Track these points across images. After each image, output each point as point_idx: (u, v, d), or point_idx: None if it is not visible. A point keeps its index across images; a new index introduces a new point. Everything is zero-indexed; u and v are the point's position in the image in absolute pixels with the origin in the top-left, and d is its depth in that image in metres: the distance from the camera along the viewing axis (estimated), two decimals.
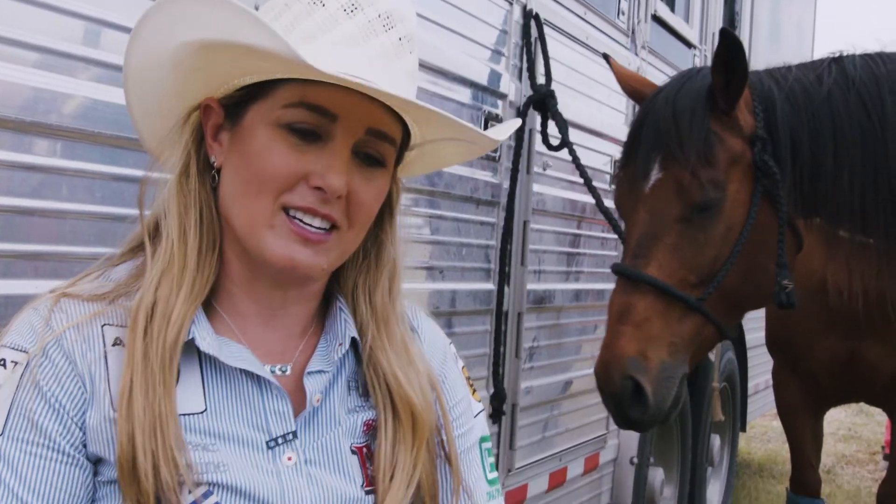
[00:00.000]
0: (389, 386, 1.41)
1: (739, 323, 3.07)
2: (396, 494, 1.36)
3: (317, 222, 1.31)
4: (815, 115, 2.73)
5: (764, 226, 2.71)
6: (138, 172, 1.86)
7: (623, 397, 2.60)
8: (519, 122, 1.54)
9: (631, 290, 2.67)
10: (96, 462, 1.27)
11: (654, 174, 2.73)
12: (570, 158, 3.50)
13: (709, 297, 2.65)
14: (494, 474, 1.60)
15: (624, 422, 2.73)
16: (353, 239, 1.38)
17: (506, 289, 3.38)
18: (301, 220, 1.30)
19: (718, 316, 2.71)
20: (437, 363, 1.55)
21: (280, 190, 1.30)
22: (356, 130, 1.31)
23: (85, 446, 1.26)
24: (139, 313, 1.27)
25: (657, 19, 4.82)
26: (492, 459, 1.61)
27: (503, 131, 1.47)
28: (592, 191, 3.56)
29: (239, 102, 1.35)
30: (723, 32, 2.70)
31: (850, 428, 10.57)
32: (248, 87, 1.35)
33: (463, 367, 1.63)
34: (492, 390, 3.38)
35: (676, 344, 2.64)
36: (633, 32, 4.49)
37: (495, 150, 3.29)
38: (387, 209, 1.49)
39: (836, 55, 2.92)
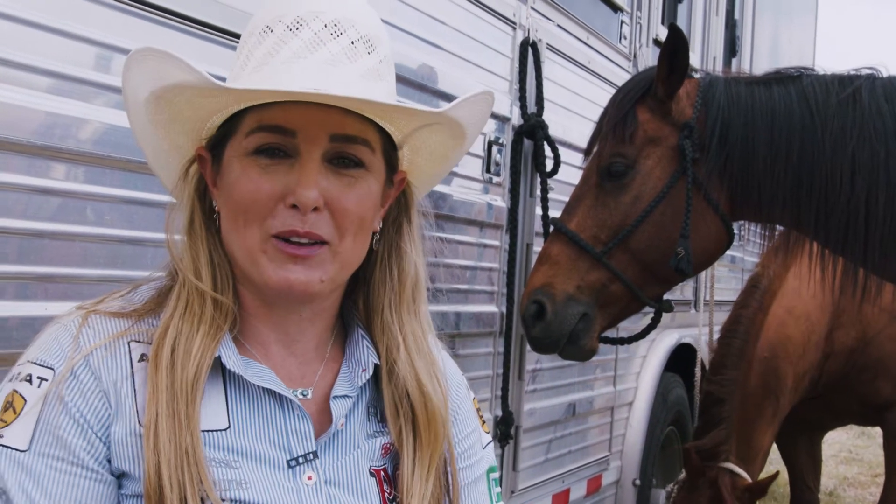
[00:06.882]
0: (413, 403, 1.43)
1: (667, 300, 3.21)
2: None
3: (304, 241, 1.33)
4: (752, 109, 2.92)
5: (677, 201, 2.95)
6: (150, 196, 1.91)
7: (527, 317, 3.00)
8: (489, 94, 1.54)
9: (553, 239, 3.07)
10: (120, 476, 1.28)
11: (593, 149, 3.16)
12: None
13: (609, 251, 2.95)
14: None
15: (531, 341, 3.09)
16: (352, 248, 1.39)
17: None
18: (288, 241, 1.32)
19: (630, 276, 2.99)
20: (452, 395, 1.57)
21: (262, 216, 1.32)
22: (319, 140, 1.33)
23: (109, 461, 1.27)
24: (161, 348, 1.30)
25: (659, 44, 4.85)
26: (499, 489, 1.63)
27: (465, 102, 1.45)
28: None
29: (217, 144, 1.40)
30: (671, 28, 2.93)
31: (851, 450, 10.54)
32: (221, 128, 1.39)
33: (474, 399, 1.65)
34: (498, 413, 3.39)
35: (582, 288, 2.97)
36: (634, 56, 4.52)
37: (499, 174, 3.32)
38: (404, 216, 1.52)
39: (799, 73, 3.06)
